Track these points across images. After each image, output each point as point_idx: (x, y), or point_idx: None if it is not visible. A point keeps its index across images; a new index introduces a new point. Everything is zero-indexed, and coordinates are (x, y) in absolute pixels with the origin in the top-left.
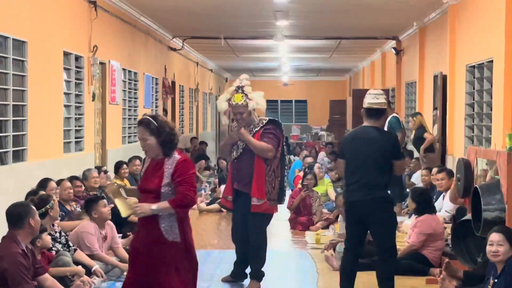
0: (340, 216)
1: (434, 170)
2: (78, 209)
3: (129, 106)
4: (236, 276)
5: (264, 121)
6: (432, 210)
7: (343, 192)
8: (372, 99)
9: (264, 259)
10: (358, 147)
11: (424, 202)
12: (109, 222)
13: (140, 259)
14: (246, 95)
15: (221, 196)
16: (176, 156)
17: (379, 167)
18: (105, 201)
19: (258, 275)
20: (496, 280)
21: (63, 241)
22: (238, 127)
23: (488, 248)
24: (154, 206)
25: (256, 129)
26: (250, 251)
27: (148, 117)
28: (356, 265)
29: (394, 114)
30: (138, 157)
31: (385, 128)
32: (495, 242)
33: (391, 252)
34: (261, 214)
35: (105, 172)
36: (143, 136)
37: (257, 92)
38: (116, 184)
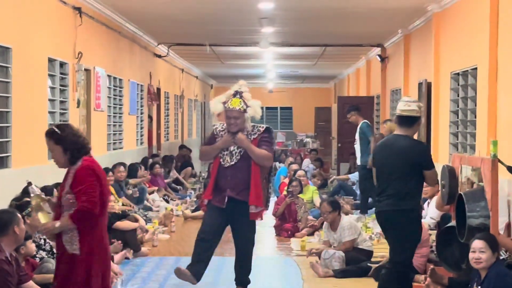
0: (325, 223)
1: None
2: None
3: (114, 113)
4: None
5: (261, 129)
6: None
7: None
8: (404, 106)
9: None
10: (387, 157)
11: None
12: None
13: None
14: (244, 101)
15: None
16: (79, 163)
17: (405, 177)
18: None
19: (246, 283)
20: (479, 287)
21: (48, 248)
22: (231, 133)
23: (470, 255)
24: (57, 224)
25: (253, 136)
26: (241, 259)
27: (52, 127)
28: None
29: (365, 121)
30: (123, 164)
31: (357, 135)
32: (477, 249)
33: (402, 266)
34: (254, 222)
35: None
36: (49, 147)
37: (255, 100)
38: (38, 198)
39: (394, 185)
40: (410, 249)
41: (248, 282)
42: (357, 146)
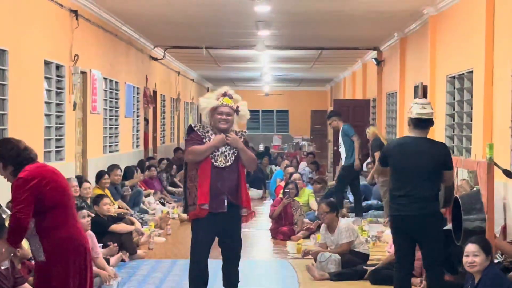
0: (322, 225)
1: None
2: None
3: (110, 116)
4: None
5: (245, 133)
6: None
7: (385, 202)
8: (420, 109)
9: None
10: (409, 158)
11: None
12: (89, 232)
13: None
14: (235, 101)
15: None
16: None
17: (431, 179)
18: (85, 212)
19: (237, 284)
20: None
21: None
22: (222, 132)
23: (464, 259)
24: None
25: (240, 139)
26: (234, 264)
27: None
28: (409, 280)
29: (346, 123)
30: (119, 167)
31: (340, 137)
32: (470, 253)
33: (440, 267)
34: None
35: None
36: None
37: (243, 102)
38: None
39: (422, 187)
40: (443, 247)
41: (238, 282)
42: (342, 149)
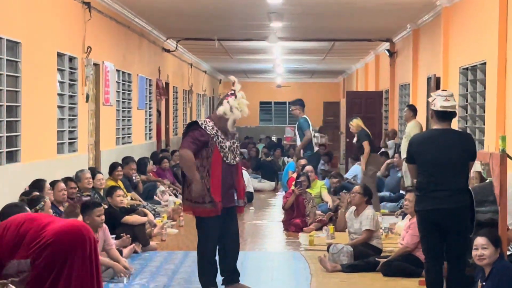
0: (351, 208)
1: None
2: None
3: (122, 108)
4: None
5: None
6: None
7: (413, 198)
8: (444, 101)
9: None
10: (441, 151)
11: None
12: (103, 225)
13: None
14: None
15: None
16: None
17: (464, 171)
18: (101, 209)
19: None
20: (484, 283)
21: None
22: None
23: (473, 252)
24: None
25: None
26: (234, 253)
27: None
28: (442, 273)
29: (304, 116)
30: (134, 160)
31: (296, 130)
32: (479, 245)
33: (464, 259)
34: None
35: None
36: None
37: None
38: None
39: (455, 180)
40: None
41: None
42: (298, 142)
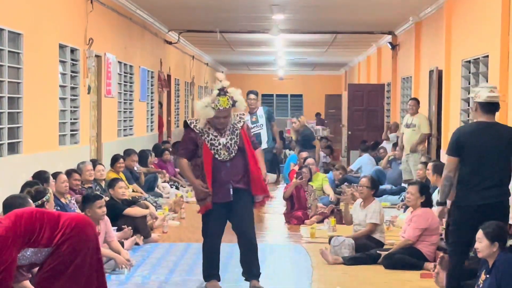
0: (357, 200)
1: (430, 165)
2: (73, 201)
3: (124, 99)
4: (215, 277)
5: (243, 116)
6: (430, 205)
7: (455, 192)
8: (490, 92)
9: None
10: (489, 144)
11: (429, 197)
12: (104, 217)
13: None
14: (230, 97)
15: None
16: None
17: (508, 165)
18: (102, 201)
19: (259, 274)
20: (487, 276)
21: None
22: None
23: (475, 245)
24: None
25: (239, 124)
26: (251, 250)
27: None
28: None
29: (264, 106)
30: (136, 152)
31: (261, 119)
32: (477, 239)
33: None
34: (253, 209)
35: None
36: None
37: (236, 89)
38: None
39: (500, 174)
40: None
41: (260, 273)
42: (263, 131)
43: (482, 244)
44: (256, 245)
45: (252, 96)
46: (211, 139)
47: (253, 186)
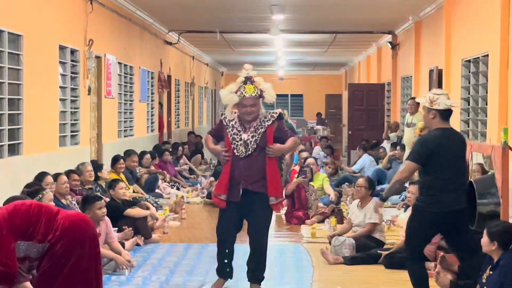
0: (354, 201)
1: None
2: (74, 202)
3: (124, 100)
4: (228, 274)
5: (275, 115)
6: None
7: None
8: (447, 100)
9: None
10: (454, 150)
11: None
12: (104, 217)
13: None
14: (257, 86)
15: (213, 194)
16: None
17: (466, 171)
18: (102, 202)
19: (261, 279)
20: (491, 272)
21: None
22: (247, 123)
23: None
24: None
25: (268, 123)
26: (256, 254)
27: None
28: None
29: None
30: (136, 153)
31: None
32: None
33: (477, 251)
34: (270, 214)
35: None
36: None
37: (267, 83)
38: None
39: (464, 180)
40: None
41: (263, 278)
42: None
43: (483, 239)
44: (265, 251)
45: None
46: (234, 133)
47: (268, 188)
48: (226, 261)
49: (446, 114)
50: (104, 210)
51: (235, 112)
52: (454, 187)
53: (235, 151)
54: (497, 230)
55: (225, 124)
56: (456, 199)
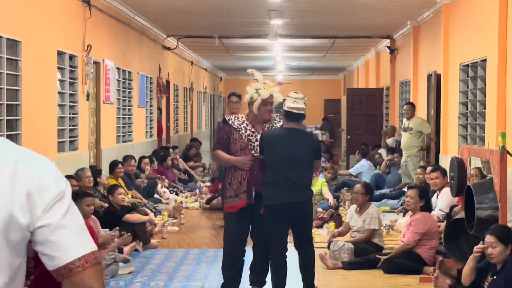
0: (352, 205)
1: (429, 169)
2: None
3: (123, 106)
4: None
5: (281, 116)
6: (429, 209)
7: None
8: (292, 103)
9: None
10: (289, 148)
11: (429, 201)
12: (93, 217)
13: None
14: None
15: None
16: None
17: (308, 168)
18: (90, 199)
19: (265, 282)
20: (495, 277)
21: None
22: (263, 123)
23: (485, 250)
24: None
25: (278, 124)
26: (260, 258)
27: None
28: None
29: None
30: (134, 157)
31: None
32: (488, 244)
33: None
34: None
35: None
36: None
37: (275, 88)
38: None
39: (302, 175)
40: None
41: (265, 282)
42: None
43: (497, 249)
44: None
45: (234, 98)
46: (248, 135)
47: None
48: (234, 272)
49: (289, 115)
50: (92, 208)
51: (243, 116)
52: (289, 182)
53: (252, 151)
54: (507, 232)
55: (235, 127)
56: (291, 193)
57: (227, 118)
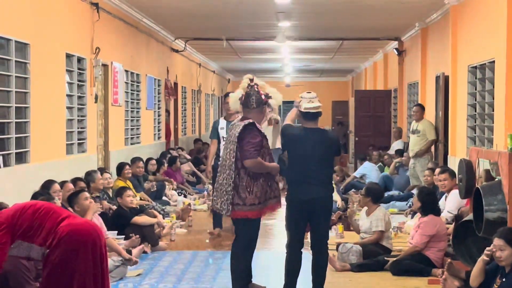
0: (364, 208)
1: (437, 170)
2: None
3: (131, 108)
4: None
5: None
6: (437, 212)
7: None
8: (307, 103)
9: None
10: (309, 147)
11: (431, 203)
12: (95, 215)
13: None
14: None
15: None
16: None
17: (328, 165)
18: (86, 193)
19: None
20: (504, 280)
21: None
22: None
23: (494, 253)
24: None
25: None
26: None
27: None
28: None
29: None
30: (141, 159)
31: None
32: (497, 247)
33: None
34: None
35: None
36: None
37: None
38: None
39: (322, 172)
40: None
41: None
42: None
43: (505, 252)
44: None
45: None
46: (266, 140)
47: None
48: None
49: (306, 115)
50: (90, 199)
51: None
52: (309, 179)
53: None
54: None
55: (262, 132)
56: (312, 189)
57: (250, 123)
